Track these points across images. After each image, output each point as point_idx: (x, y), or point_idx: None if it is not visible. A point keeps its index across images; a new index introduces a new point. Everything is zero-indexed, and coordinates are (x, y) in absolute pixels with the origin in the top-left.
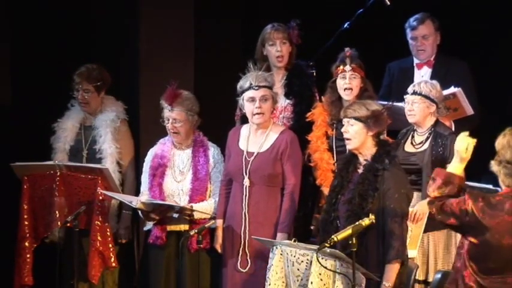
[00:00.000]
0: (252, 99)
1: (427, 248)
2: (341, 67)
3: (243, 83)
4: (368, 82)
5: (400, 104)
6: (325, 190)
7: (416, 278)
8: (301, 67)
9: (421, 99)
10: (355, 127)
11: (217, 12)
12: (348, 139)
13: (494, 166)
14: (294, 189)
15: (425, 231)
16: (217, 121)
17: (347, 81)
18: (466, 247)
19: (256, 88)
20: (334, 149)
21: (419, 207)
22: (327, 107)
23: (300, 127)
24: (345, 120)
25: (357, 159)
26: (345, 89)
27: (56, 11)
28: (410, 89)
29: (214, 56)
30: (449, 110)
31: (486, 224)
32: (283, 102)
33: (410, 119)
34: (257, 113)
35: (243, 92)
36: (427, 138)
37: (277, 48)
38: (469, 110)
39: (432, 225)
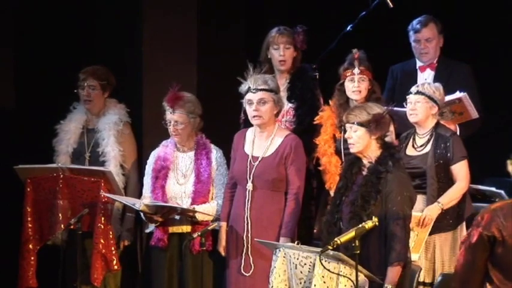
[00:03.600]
0: (251, 102)
1: (433, 251)
2: (350, 70)
3: (243, 86)
4: (376, 84)
5: (400, 109)
6: None
7: (424, 280)
8: (305, 70)
9: (425, 99)
10: (358, 132)
11: (221, 15)
12: (351, 144)
13: (509, 166)
14: (297, 194)
15: (431, 233)
16: (220, 124)
17: (356, 84)
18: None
19: (254, 91)
20: (342, 151)
21: (428, 212)
22: (335, 109)
23: (302, 130)
24: (347, 126)
25: (361, 161)
26: (354, 91)
27: (60, 14)
28: (413, 89)
29: (217, 59)
30: (454, 114)
31: (508, 233)
32: (285, 105)
33: (412, 119)
34: (255, 116)
35: (244, 95)
36: (429, 140)
37: (280, 52)
38: (474, 114)
39: (438, 227)
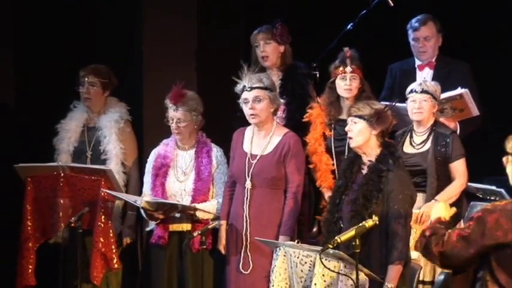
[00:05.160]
0: (246, 101)
1: None
2: (341, 68)
3: (239, 85)
4: (366, 83)
5: (402, 105)
6: (325, 191)
7: (424, 279)
8: (296, 67)
9: (430, 98)
10: (359, 125)
11: (221, 15)
12: (351, 138)
13: (508, 167)
14: (297, 192)
15: None
16: (220, 123)
17: (347, 82)
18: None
19: (248, 89)
20: (333, 150)
21: (425, 209)
22: (325, 107)
23: (292, 126)
24: (349, 119)
25: (361, 159)
26: (345, 90)
27: (60, 14)
28: (418, 88)
29: (217, 59)
30: (455, 110)
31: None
32: None
33: (417, 117)
34: (251, 114)
35: (240, 94)
36: (428, 138)
37: (260, 49)
38: (475, 111)
39: None
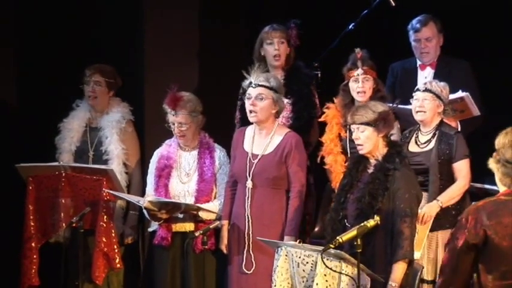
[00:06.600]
0: (249, 97)
1: (435, 248)
2: (353, 70)
3: (246, 81)
4: (380, 82)
5: (404, 106)
6: None
7: (425, 278)
8: (299, 67)
9: (432, 97)
10: (366, 132)
11: (222, 15)
12: (360, 145)
13: (491, 164)
14: (301, 192)
15: (433, 230)
16: (222, 123)
17: (360, 84)
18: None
19: (253, 86)
20: (348, 151)
21: (427, 209)
22: (340, 109)
23: (300, 126)
24: (353, 127)
25: (366, 159)
26: (358, 92)
27: (61, 13)
28: (421, 86)
29: (218, 58)
30: (455, 111)
31: (492, 231)
32: None
33: (419, 117)
34: (250, 111)
35: (246, 90)
36: (432, 137)
37: (274, 46)
38: (476, 112)
39: (439, 224)
